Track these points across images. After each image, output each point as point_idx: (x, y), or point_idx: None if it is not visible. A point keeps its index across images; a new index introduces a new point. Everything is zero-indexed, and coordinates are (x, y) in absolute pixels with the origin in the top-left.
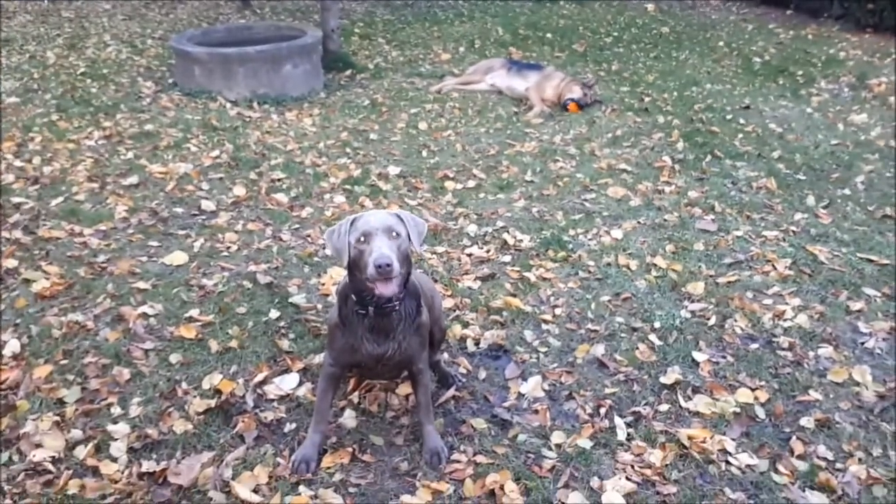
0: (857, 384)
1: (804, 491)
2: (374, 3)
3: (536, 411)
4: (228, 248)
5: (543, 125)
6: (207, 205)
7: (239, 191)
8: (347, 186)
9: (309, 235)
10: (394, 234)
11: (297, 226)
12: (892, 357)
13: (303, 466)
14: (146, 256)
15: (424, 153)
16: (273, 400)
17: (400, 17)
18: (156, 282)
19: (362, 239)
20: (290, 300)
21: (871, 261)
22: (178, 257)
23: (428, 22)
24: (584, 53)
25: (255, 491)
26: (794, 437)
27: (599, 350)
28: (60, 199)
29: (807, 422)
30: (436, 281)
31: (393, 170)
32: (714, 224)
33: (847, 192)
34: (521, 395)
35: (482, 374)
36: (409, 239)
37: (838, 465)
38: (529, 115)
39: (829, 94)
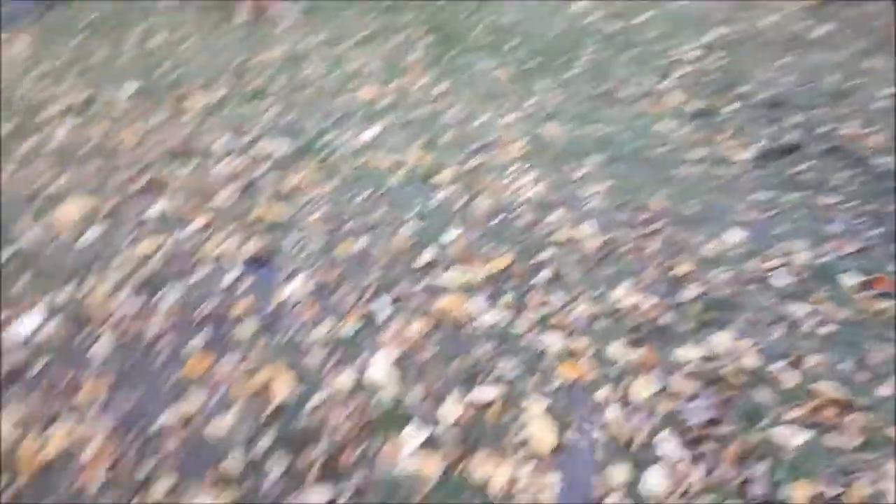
0: (581, 240)
1: (541, 334)
2: None
3: (304, 309)
4: None
5: (292, 29)
6: None
7: None
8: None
9: None
10: None
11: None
12: (607, 213)
13: None
14: None
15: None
16: None
17: None
18: None
19: None
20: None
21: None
22: None
23: None
24: None
25: None
26: (531, 291)
27: (360, 244)
28: None
29: (543, 276)
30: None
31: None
32: (463, 113)
33: (575, 71)
34: (287, 298)
35: (246, 284)
36: None
37: (567, 309)
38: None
39: None
